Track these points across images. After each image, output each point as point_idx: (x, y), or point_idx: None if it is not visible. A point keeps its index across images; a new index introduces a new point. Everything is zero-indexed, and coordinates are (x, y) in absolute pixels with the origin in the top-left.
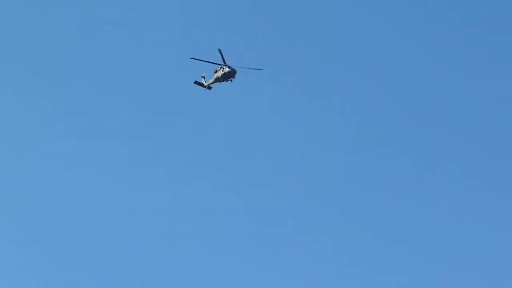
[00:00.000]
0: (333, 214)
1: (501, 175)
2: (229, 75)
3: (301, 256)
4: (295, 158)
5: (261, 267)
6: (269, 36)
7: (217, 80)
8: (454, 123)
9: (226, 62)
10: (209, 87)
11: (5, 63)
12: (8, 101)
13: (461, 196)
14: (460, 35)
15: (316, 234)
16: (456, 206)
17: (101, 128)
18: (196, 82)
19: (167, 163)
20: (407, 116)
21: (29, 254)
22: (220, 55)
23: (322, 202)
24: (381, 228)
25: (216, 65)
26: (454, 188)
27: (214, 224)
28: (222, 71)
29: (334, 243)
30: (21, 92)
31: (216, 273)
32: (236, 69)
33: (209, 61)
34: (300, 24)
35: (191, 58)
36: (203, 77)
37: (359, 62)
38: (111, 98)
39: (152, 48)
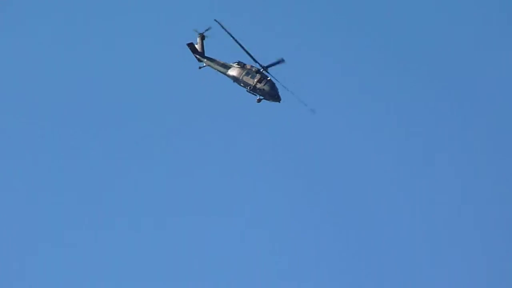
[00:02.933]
0: None
1: None
2: (266, 95)
3: None
4: None
5: None
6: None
7: (236, 79)
8: None
9: (267, 68)
10: (201, 63)
11: None
12: None
13: None
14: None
15: None
16: None
17: None
18: (190, 46)
19: None
20: None
21: None
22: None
23: None
24: None
25: (247, 56)
26: None
27: None
28: (259, 82)
29: None
30: None
31: None
32: (281, 97)
33: (241, 44)
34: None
35: (215, 20)
36: (202, 36)
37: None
38: None
39: None
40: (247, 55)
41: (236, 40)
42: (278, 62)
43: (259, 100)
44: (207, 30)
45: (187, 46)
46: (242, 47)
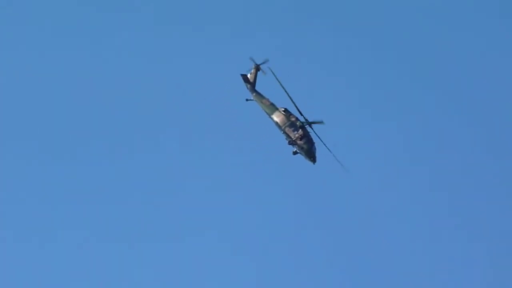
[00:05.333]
0: None
1: None
2: (303, 152)
3: None
4: None
5: None
6: None
7: (279, 127)
8: None
9: (310, 124)
10: (251, 95)
11: None
12: None
13: None
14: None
15: None
16: None
17: None
18: (244, 77)
19: None
20: None
21: None
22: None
23: None
24: None
25: (294, 108)
26: None
27: None
28: (299, 139)
29: None
30: None
31: None
32: (316, 159)
33: (290, 95)
34: None
35: (268, 68)
36: (257, 68)
37: None
38: None
39: None
40: (294, 105)
41: (285, 90)
42: (318, 122)
43: (295, 153)
44: (264, 62)
45: (240, 77)
46: (291, 99)
